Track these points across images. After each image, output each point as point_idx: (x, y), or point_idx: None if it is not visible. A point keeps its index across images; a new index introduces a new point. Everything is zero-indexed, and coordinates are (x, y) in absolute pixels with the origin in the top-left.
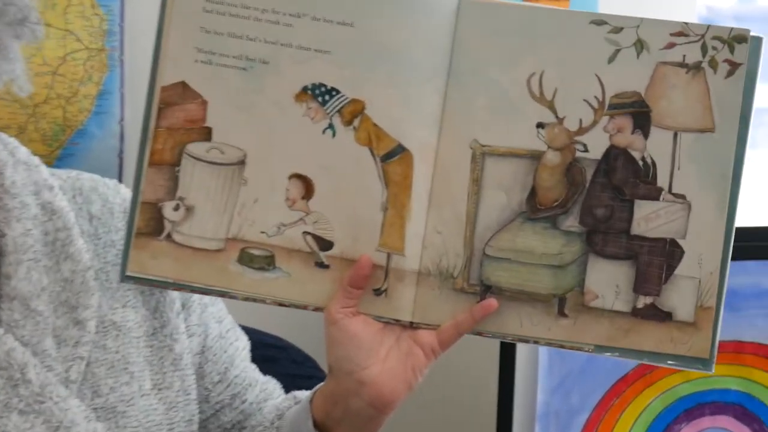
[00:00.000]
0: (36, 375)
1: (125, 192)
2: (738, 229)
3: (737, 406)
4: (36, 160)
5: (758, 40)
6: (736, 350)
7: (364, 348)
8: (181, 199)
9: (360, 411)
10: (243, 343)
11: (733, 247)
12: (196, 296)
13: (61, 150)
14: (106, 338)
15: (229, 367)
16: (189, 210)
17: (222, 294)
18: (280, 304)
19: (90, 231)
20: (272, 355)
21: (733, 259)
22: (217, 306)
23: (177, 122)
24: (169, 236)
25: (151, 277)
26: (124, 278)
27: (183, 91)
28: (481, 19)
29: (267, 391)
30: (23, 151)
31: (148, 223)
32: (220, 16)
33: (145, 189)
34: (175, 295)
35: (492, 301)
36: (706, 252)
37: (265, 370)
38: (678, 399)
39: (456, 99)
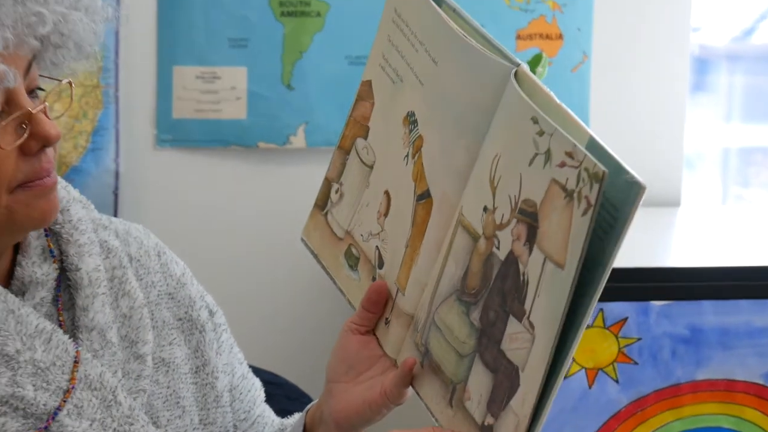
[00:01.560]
0: (124, 398)
1: (154, 236)
2: (729, 269)
3: None
4: (85, 198)
5: (637, 188)
6: (728, 388)
7: (345, 363)
8: (341, 184)
9: (326, 419)
10: (259, 384)
11: (725, 285)
12: (224, 336)
13: None
14: (158, 374)
15: (252, 406)
16: (341, 196)
17: (332, 280)
18: (351, 305)
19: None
20: (268, 391)
21: (725, 297)
22: (236, 347)
23: (359, 116)
24: (326, 214)
25: (308, 244)
26: (302, 239)
27: (369, 89)
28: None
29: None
30: (75, 190)
31: (323, 197)
32: (396, 28)
33: (330, 167)
34: (212, 335)
35: (411, 360)
36: (528, 393)
37: None
38: None
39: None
